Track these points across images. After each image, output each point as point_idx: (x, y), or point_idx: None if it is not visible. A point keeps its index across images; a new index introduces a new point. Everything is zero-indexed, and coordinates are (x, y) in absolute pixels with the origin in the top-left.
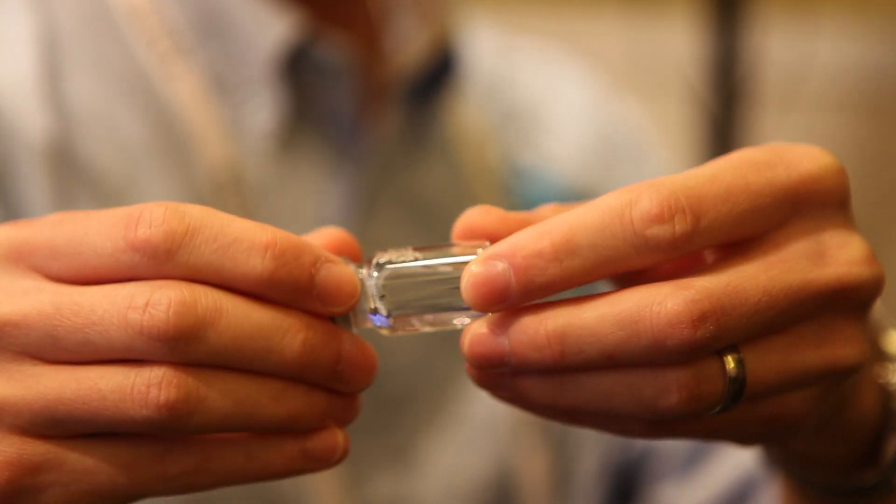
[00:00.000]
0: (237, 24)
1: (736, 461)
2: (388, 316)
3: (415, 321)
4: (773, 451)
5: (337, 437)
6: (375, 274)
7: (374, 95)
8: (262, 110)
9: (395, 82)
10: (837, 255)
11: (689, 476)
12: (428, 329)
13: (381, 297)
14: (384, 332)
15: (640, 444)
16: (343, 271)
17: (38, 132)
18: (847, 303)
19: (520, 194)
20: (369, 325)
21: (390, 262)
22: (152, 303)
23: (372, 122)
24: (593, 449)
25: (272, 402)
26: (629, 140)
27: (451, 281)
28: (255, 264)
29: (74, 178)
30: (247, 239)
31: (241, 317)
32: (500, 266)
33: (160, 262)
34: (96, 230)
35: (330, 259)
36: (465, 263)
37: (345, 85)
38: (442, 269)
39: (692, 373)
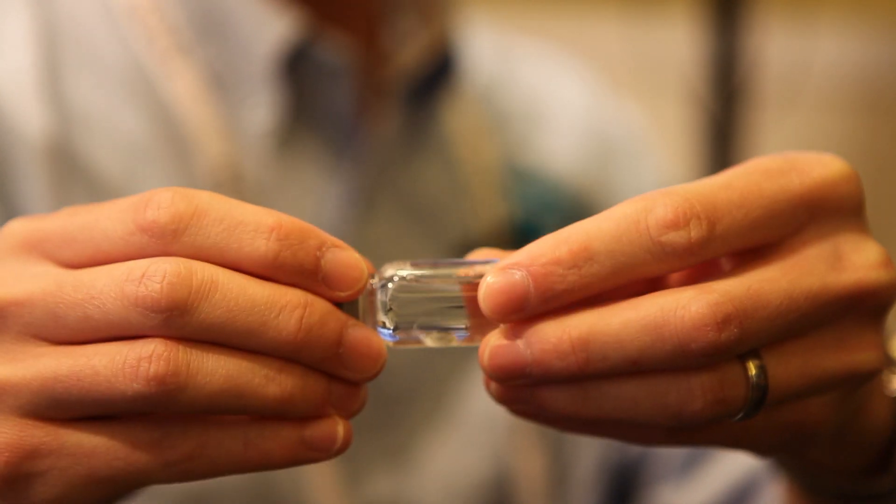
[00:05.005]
0: (237, 23)
1: (734, 464)
2: (395, 329)
3: (420, 335)
4: (785, 458)
5: (337, 426)
6: (388, 287)
7: (373, 95)
8: (261, 109)
9: (394, 82)
10: (854, 260)
11: (687, 478)
12: (432, 344)
13: (388, 311)
14: (389, 344)
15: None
16: (349, 255)
17: (38, 130)
18: (864, 307)
19: (517, 194)
20: None
21: (397, 276)
22: (148, 275)
23: (370, 121)
24: (590, 450)
25: (266, 381)
26: (625, 139)
27: (458, 298)
28: (260, 245)
29: (73, 176)
30: (252, 221)
31: (236, 291)
32: (518, 275)
33: (167, 243)
34: (107, 216)
35: (337, 244)
36: (475, 278)
37: (343, 85)
38: (450, 284)
39: (716, 377)
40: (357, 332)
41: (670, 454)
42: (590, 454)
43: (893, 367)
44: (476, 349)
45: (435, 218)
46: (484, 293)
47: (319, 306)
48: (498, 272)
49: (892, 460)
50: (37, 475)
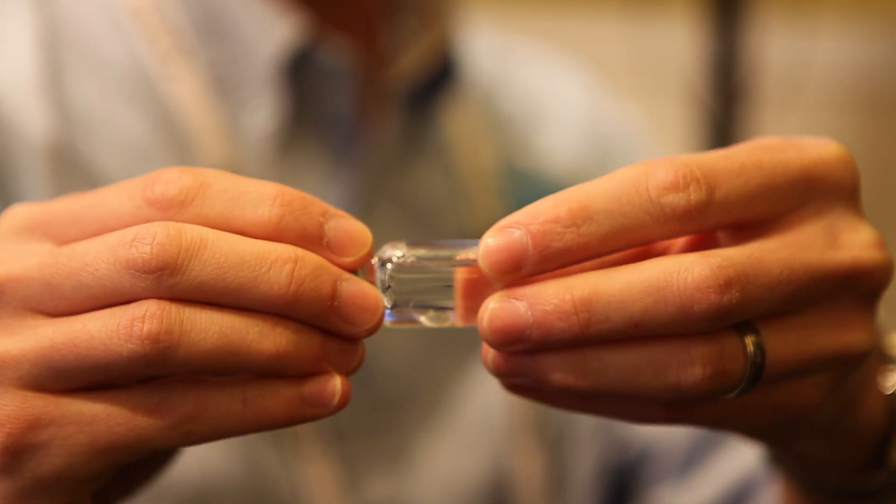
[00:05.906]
0: (239, 26)
1: (733, 464)
2: (393, 308)
3: (418, 315)
4: (779, 453)
5: (334, 381)
6: (387, 266)
7: (374, 99)
8: (263, 112)
9: (394, 86)
10: (850, 240)
11: (686, 479)
12: (429, 324)
13: (387, 289)
14: (387, 324)
15: (637, 446)
16: (353, 222)
17: (39, 132)
18: (859, 288)
19: (515, 196)
20: None
21: (397, 256)
22: (139, 237)
23: (370, 125)
24: (589, 451)
25: (259, 337)
26: (625, 141)
27: (455, 279)
28: (263, 212)
29: (75, 177)
30: (255, 191)
31: (226, 248)
32: (517, 233)
33: (174, 214)
34: (114, 194)
35: (340, 213)
36: (474, 260)
37: (345, 89)
38: (449, 265)
39: (716, 348)
40: (352, 285)
41: (669, 455)
42: (588, 455)
43: (889, 365)
44: (477, 345)
45: (433, 221)
46: (483, 251)
47: (311, 259)
48: (497, 231)
49: (887, 456)
50: (39, 446)
